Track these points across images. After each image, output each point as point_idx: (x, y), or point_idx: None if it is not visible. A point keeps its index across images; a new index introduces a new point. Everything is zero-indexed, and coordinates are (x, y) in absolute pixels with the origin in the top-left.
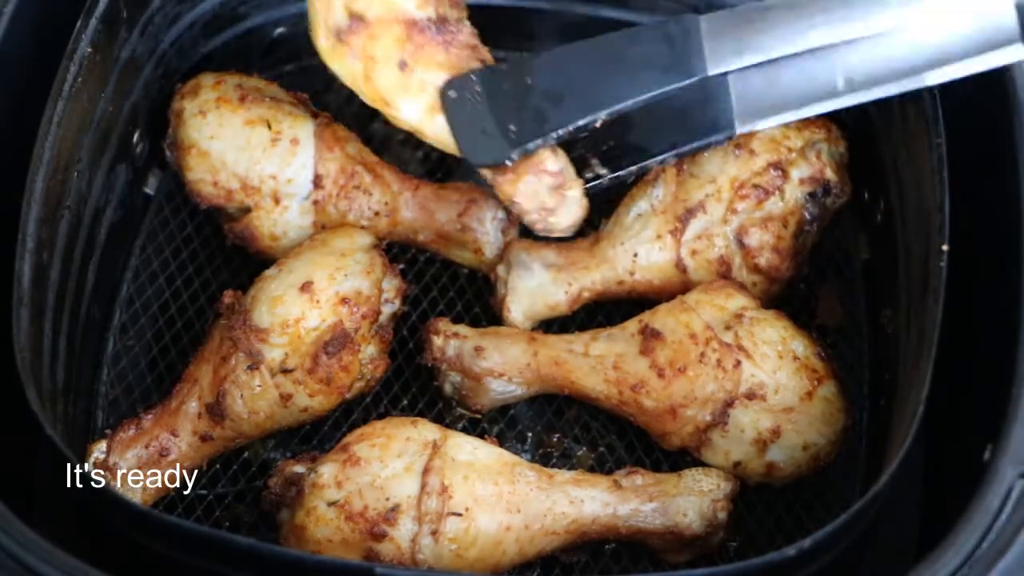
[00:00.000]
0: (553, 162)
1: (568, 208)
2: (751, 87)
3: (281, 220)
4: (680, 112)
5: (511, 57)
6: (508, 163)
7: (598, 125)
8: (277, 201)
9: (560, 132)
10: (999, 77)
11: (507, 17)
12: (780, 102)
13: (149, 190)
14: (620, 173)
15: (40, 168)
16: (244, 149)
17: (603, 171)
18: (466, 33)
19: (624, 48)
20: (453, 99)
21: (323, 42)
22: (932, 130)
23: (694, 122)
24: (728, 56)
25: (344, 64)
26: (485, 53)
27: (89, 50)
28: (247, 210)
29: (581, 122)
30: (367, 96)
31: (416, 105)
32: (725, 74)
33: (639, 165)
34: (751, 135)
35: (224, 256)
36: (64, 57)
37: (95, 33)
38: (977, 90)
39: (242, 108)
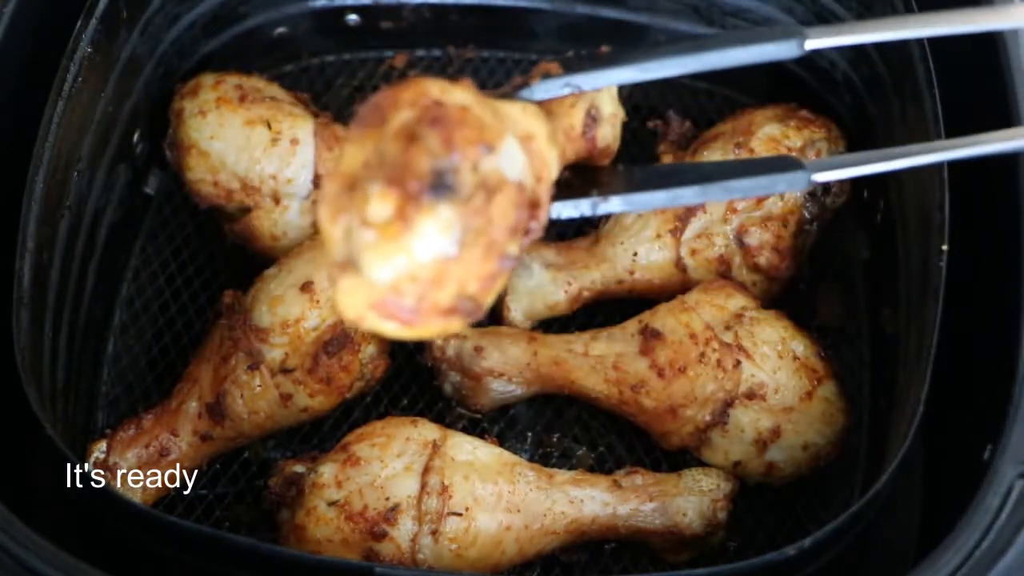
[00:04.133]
0: None
1: None
2: None
3: (281, 220)
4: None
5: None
6: None
7: None
8: (277, 201)
9: None
10: (999, 77)
11: (507, 17)
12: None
13: (149, 190)
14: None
15: (40, 168)
16: (244, 149)
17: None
18: None
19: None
20: None
21: None
22: (932, 130)
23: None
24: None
25: None
26: None
27: (89, 50)
28: (247, 210)
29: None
30: None
31: None
32: None
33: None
34: (751, 134)
35: (224, 256)
36: (64, 57)
37: (95, 33)
38: (977, 90)
39: (242, 108)
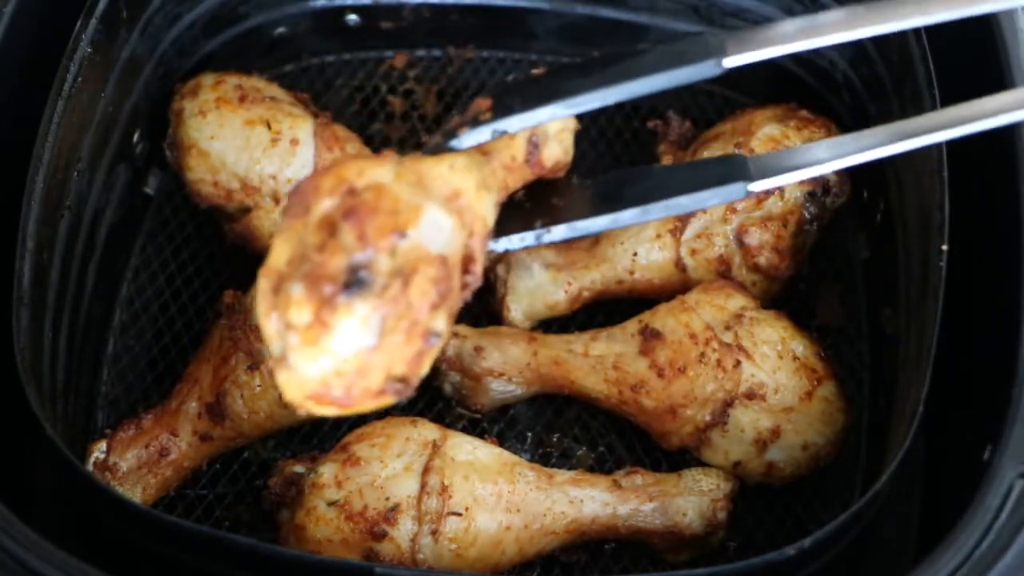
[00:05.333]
0: None
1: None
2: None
3: None
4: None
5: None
6: None
7: None
8: (277, 201)
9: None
10: (999, 77)
11: (507, 17)
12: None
13: (149, 190)
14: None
15: (40, 168)
16: (244, 149)
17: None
18: None
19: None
20: None
21: None
22: None
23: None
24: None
25: None
26: None
27: (89, 50)
28: (247, 210)
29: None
30: None
31: None
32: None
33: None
34: (751, 134)
35: (224, 256)
36: (64, 57)
37: (95, 33)
38: (977, 90)
39: (242, 108)
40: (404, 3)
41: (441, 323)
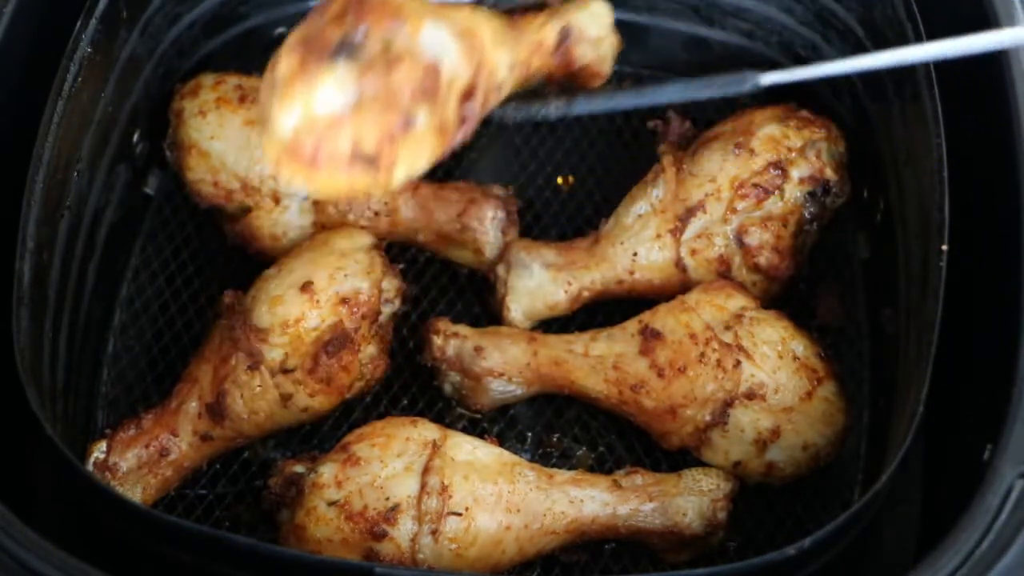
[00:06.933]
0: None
1: None
2: None
3: (281, 220)
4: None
5: None
6: None
7: None
8: (277, 201)
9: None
10: (999, 77)
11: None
12: None
13: (149, 190)
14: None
15: (40, 168)
16: (244, 149)
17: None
18: None
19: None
20: None
21: None
22: (932, 130)
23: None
24: None
25: None
26: None
27: (89, 50)
28: (247, 210)
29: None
30: None
31: None
32: None
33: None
34: (751, 134)
35: (224, 256)
36: (64, 57)
37: (95, 33)
38: (977, 90)
39: (242, 108)
40: None
41: (422, 117)
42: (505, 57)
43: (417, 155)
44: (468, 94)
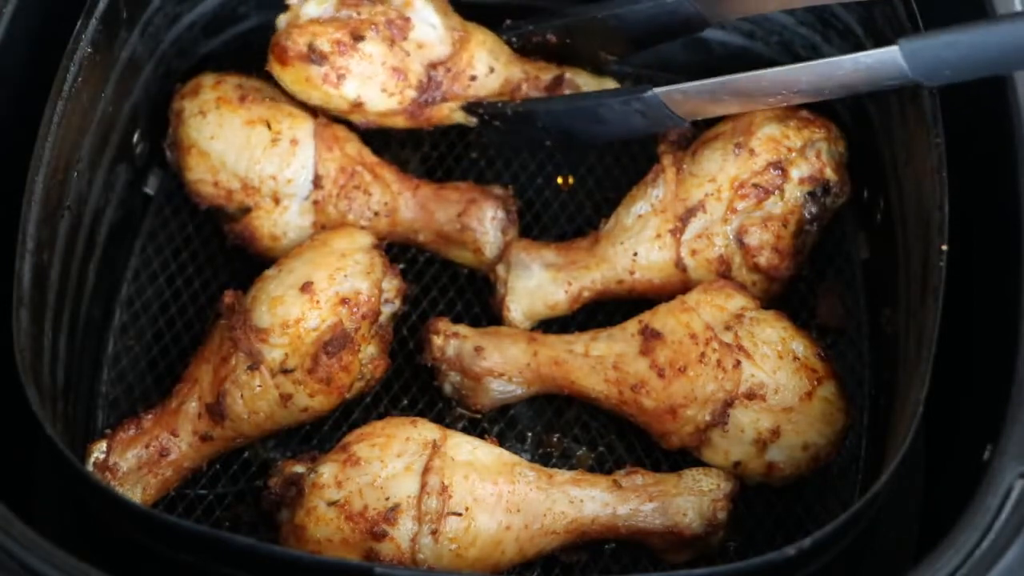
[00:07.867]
0: None
1: None
2: None
3: (281, 220)
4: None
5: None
6: None
7: None
8: (277, 201)
9: None
10: (999, 77)
11: (504, 18)
12: None
13: (149, 190)
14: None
15: (40, 168)
16: (244, 149)
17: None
18: None
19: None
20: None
21: None
22: (932, 130)
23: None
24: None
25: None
26: None
27: (89, 50)
28: (247, 210)
29: None
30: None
31: None
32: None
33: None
34: (751, 134)
35: (224, 256)
36: (64, 57)
37: (95, 33)
38: (977, 90)
39: (242, 108)
40: None
41: (374, 39)
42: (489, 61)
43: (369, 76)
44: (436, 64)
